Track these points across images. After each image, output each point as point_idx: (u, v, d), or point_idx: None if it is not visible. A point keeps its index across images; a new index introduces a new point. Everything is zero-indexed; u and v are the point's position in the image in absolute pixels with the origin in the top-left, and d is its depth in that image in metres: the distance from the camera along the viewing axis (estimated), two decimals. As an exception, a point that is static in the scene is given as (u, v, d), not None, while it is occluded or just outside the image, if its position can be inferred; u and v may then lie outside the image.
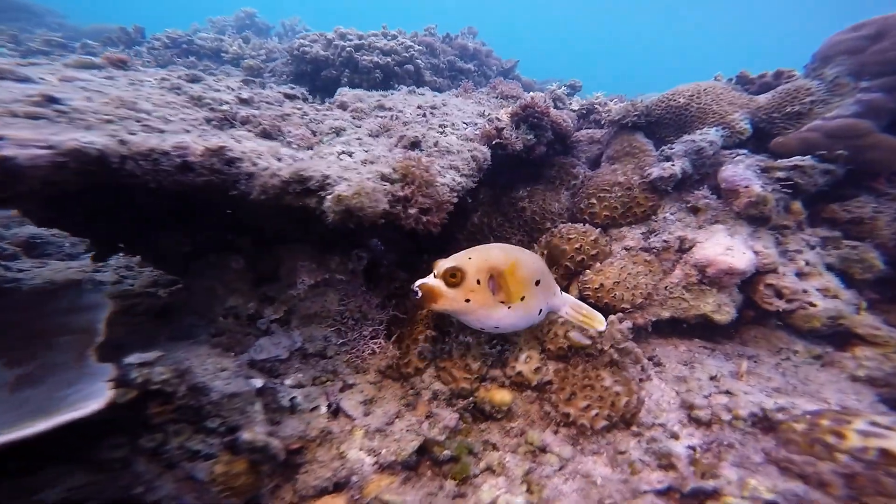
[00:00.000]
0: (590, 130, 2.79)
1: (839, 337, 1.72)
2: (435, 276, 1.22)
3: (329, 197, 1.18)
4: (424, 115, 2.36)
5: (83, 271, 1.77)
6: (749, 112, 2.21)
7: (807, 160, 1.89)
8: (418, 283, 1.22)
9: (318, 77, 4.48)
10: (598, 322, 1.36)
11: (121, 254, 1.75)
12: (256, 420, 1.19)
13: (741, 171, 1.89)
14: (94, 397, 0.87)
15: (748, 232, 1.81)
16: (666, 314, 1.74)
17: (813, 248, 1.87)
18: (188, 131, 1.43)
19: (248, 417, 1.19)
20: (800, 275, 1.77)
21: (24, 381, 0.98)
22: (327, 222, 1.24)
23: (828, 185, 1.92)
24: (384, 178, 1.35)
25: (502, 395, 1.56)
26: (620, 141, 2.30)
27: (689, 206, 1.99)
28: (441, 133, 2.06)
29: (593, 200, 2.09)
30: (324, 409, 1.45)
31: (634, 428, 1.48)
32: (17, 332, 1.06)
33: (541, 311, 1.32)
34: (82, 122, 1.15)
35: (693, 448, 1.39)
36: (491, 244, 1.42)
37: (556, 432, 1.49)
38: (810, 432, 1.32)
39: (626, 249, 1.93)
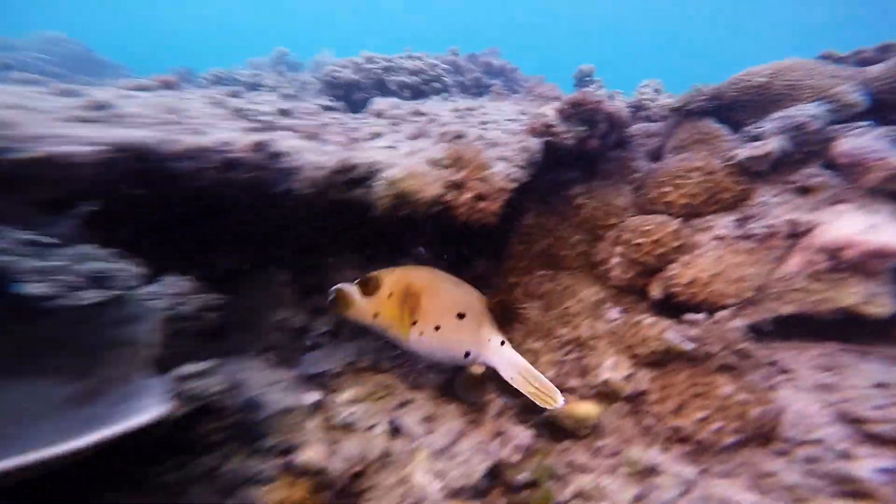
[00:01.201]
0: (642, 124, 2.62)
1: None
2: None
3: (379, 182, 1.10)
4: (462, 117, 2.31)
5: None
6: (860, 83, 1.96)
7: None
8: (334, 286, 1.22)
9: (349, 100, 4.70)
10: (554, 398, 1.19)
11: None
12: (313, 439, 1.07)
13: (868, 142, 1.62)
14: (144, 411, 0.79)
15: (891, 210, 1.51)
16: (787, 309, 1.45)
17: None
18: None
19: (305, 436, 1.07)
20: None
21: (78, 399, 0.94)
22: (376, 213, 1.15)
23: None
24: (434, 162, 1.26)
25: (586, 408, 1.35)
26: (686, 129, 2.11)
27: (795, 186, 1.72)
28: (483, 129, 1.98)
29: (667, 188, 1.88)
30: (382, 428, 1.30)
31: (778, 445, 1.20)
32: (69, 350, 1.03)
33: (468, 353, 1.22)
34: (133, 123, 1.17)
35: (890, 471, 1.08)
36: (424, 268, 1.35)
37: (666, 450, 1.23)
38: None
39: (717, 239, 1.69)
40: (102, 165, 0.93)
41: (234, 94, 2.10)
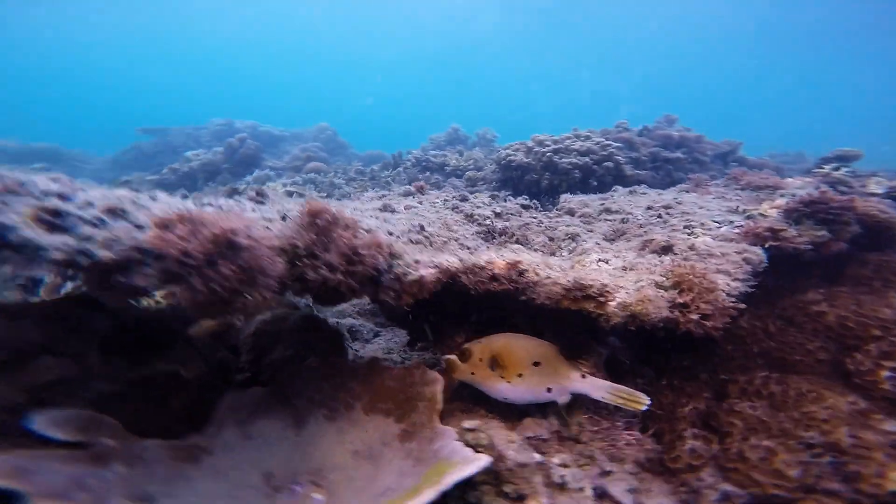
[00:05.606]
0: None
1: None
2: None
3: (612, 303, 1.52)
4: (660, 216, 2.60)
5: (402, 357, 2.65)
6: None
7: None
8: (445, 356, 1.78)
9: (521, 181, 5.55)
10: (641, 400, 1.63)
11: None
12: (539, 491, 1.45)
13: None
14: (466, 456, 1.32)
15: None
16: None
17: None
18: (472, 249, 2.14)
19: (533, 488, 1.47)
20: None
21: (405, 435, 1.59)
22: (607, 324, 1.55)
23: None
24: (658, 285, 1.62)
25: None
26: None
27: None
28: (689, 234, 2.23)
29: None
30: (589, 492, 1.56)
31: None
32: (396, 397, 1.73)
33: (549, 389, 1.67)
34: (436, 244, 1.95)
35: None
36: (504, 334, 1.80)
37: None
38: None
39: None
40: (435, 282, 1.65)
41: (463, 199, 2.97)
